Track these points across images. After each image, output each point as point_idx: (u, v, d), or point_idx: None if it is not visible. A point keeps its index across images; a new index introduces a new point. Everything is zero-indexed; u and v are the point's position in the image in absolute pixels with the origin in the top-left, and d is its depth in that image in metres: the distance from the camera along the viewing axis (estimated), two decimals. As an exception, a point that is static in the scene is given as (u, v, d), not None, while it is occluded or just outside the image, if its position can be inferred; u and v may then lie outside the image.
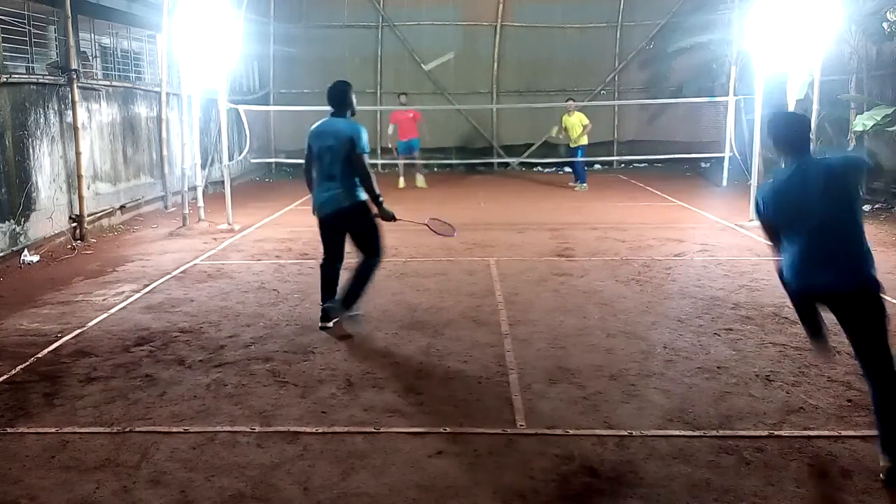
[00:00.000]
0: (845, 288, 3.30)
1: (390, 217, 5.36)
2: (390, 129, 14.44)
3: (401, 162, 14.62)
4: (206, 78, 10.31)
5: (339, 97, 5.28)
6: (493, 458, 3.53)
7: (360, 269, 5.43)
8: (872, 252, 3.34)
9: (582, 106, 14.69)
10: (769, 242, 3.64)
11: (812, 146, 3.48)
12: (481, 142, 18.19)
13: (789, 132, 3.48)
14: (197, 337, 5.40)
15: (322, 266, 5.56)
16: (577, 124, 14.00)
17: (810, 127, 3.53)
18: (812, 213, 3.31)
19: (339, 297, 5.43)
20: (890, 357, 3.29)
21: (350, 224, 5.33)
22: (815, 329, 3.59)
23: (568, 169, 15.55)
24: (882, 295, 3.30)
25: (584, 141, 14.04)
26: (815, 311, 3.51)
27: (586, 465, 3.45)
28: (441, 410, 4.07)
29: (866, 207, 11.06)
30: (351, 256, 5.60)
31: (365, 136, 5.21)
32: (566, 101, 14.45)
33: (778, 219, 3.47)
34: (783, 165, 3.53)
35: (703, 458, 3.51)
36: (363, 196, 5.26)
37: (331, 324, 5.49)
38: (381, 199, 5.30)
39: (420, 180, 14.57)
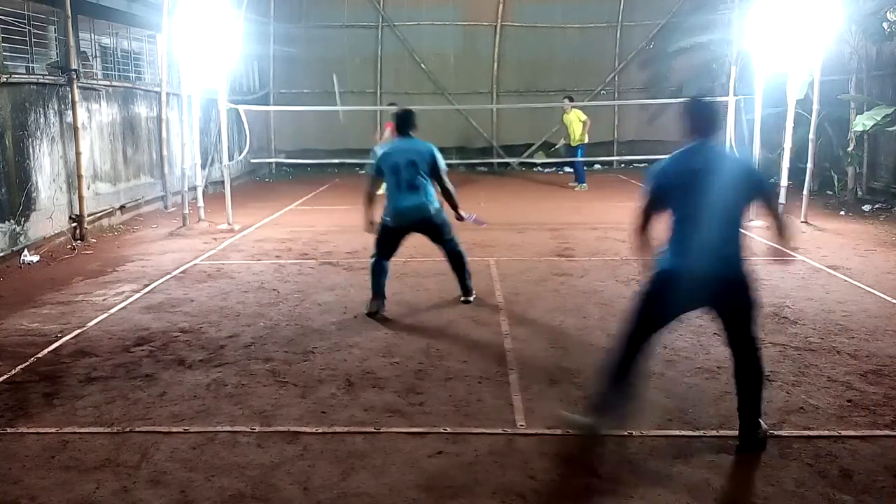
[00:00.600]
0: (728, 274, 3.46)
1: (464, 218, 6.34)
2: (387, 133, 14.43)
3: None
4: (206, 78, 10.30)
5: (410, 121, 6.04)
6: (493, 458, 3.53)
7: (458, 261, 6.23)
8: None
9: (582, 106, 14.69)
10: (640, 219, 3.64)
11: (719, 132, 3.60)
12: (481, 142, 18.19)
13: (700, 117, 3.57)
14: (197, 337, 5.40)
15: (379, 260, 5.98)
16: (575, 120, 14.02)
17: (719, 114, 3.68)
18: (706, 196, 3.42)
19: (464, 291, 6.29)
20: (755, 340, 3.53)
21: (432, 226, 6.00)
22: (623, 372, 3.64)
23: (568, 169, 15.55)
24: (752, 285, 3.49)
25: (585, 139, 14.05)
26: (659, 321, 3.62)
27: (586, 465, 3.45)
28: (441, 410, 4.07)
29: (866, 207, 11.07)
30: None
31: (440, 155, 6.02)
32: (562, 98, 14.50)
33: (673, 191, 3.53)
34: (686, 145, 3.61)
35: (703, 458, 3.51)
36: (438, 202, 6.05)
37: (379, 312, 5.87)
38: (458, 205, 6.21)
39: None
